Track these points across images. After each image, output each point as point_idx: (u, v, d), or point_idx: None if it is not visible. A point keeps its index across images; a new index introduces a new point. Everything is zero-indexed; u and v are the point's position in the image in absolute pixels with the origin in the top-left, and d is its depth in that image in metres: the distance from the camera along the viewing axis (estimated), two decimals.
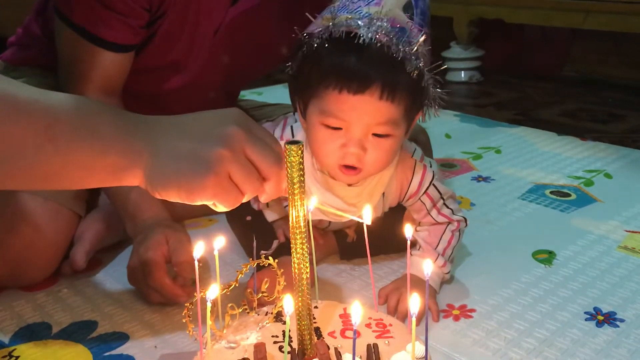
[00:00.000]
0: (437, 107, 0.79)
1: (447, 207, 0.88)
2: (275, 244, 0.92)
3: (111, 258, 1.01)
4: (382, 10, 0.73)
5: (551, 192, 1.26)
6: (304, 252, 0.59)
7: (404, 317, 0.81)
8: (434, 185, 0.86)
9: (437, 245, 0.87)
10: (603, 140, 1.61)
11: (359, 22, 0.71)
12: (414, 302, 0.52)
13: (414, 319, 0.51)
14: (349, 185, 0.82)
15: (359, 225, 0.96)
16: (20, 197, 0.87)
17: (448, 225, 0.88)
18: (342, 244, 0.98)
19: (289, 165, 0.56)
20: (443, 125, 1.71)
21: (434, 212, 0.88)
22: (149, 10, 0.92)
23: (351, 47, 0.71)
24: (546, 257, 1.00)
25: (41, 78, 1.02)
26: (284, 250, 0.91)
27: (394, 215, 0.92)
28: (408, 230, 0.68)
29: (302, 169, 0.57)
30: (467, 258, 0.99)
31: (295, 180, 0.57)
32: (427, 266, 0.58)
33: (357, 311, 0.50)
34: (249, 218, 0.97)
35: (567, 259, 0.99)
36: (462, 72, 2.39)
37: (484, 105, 2.05)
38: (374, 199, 0.85)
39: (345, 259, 0.99)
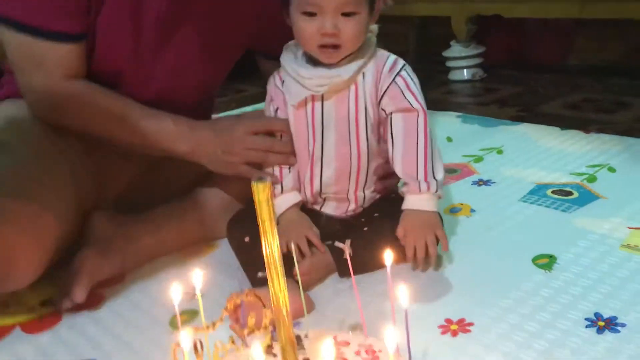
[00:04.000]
0: None
1: (417, 90, 0.96)
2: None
3: (112, 292, 1.02)
4: None
5: (553, 192, 1.24)
6: (281, 288, 0.59)
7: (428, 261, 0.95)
8: (406, 70, 0.96)
9: (417, 171, 0.93)
10: (608, 131, 1.58)
11: None
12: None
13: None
14: (332, 65, 0.94)
15: (354, 239, 0.97)
16: (3, 203, 0.87)
17: (417, 127, 0.94)
18: (339, 260, 0.98)
19: (257, 203, 0.56)
20: (445, 129, 1.70)
21: (407, 94, 0.95)
22: None
23: None
24: (546, 262, 0.98)
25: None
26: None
27: (390, 226, 0.94)
28: (387, 258, 0.68)
29: (271, 206, 0.57)
30: (466, 267, 0.98)
31: (264, 218, 0.57)
32: (402, 296, 0.58)
33: (330, 352, 0.50)
34: (247, 239, 0.97)
35: (567, 262, 0.97)
36: (465, 70, 2.37)
37: (487, 103, 2.03)
38: (350, 70, 0.94)
39: (345, 277, 0.98)
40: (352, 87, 0.95)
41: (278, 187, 1.02)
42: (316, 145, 0.99)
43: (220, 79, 1.23)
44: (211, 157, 1.04)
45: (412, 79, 0.97)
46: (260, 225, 0.57)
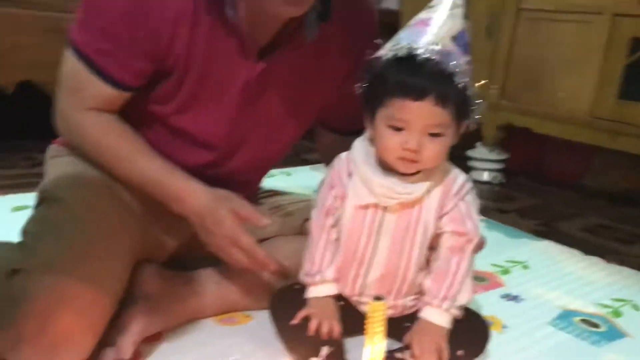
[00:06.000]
0: (477, 116, 0.96)
1: (477, 218, 1.00)
2: (324, 350, 0.94)
3: (150, 350, 1.01)
4: (436, 39, 0.91)
5: (581, 320, 1.27)
6: None
7: None
8: (471, 195, 1.00)
9: (441, 289, 0.98)
10: (626, 263, 1.63)
11: (418, 46, 0.90)
12: None
13: None
14: (404, 175, 0.96)
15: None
16: (60, 282, 0.87)
17: (463, 251, 0.99)
18: None
19: (371, 318, 0.58)
20: None
21: (468, 222, 0.98)
22: (151, 60, 0.98)
23: (411, 65, 0.90)
24: None
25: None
26: (336, 357, 0.94)
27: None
28: None
29: (384, 323, 0.59)
30: None
31: (376, 331, 0.59)
32: None
33: None
34: (294, 322, 0.99)
35: None
36: (485, 172, 2.45)
37: (507, 211, 2.08)
38: (418, 188, 0.96)
39: None
40: (418, 203, 0.98)
41: (318, 276, 1.02)
42: (368, 249, 1.00)
43: (291, 144, 1.23)
44: (200, 222, 1.03)
45: (473, 204, 1.00)
46: (368, 337, 0.59)
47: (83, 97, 1.00)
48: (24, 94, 1.94)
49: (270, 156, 1.22)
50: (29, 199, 1.15)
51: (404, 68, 0.91)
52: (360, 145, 1.01)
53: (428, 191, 0.97)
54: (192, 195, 1.02)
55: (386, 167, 0.97)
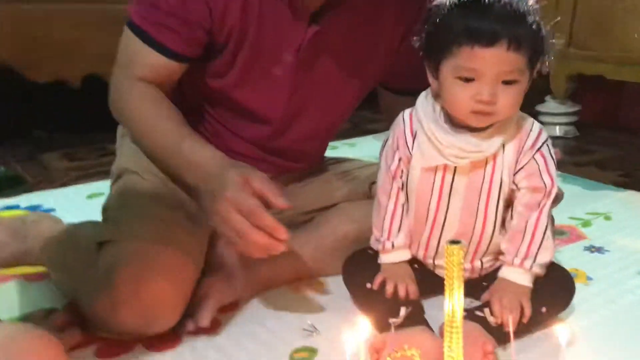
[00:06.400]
0: (552, 58, 0.89)
1: (555, 170, 0.93)
2: (403, 311, 0.91)
3: (228, 319, 1.02)
4: None
5: None
6: (459, 347, 0.58)
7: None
8: (547, 145, 0.93)
9: (520, 248, 0.93)
10: None
11: None
12: None
13: None
14: (474, 131, 0.90)
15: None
16: (148, 248, 0.91)
17: (540, 207, 0.93)
18: (487, 329, 0.92)
19: (449, 263, 0.56)
20: None
21: (545, 176, 0.92)
22: (205, 31, 0.96)
23: (478, 8, 0.84)
24: None
25: None
26: (415, 317, 0.92)
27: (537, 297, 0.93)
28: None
29: (462, 268, 0.57)
30: (594, 342, 0.95)
31: (455, 277, 0.57)
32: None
33: None
34: (369, 285, 0.97)
35: None
36: (557, 127, 2.34)
37: (584, 164, 1.99)
38: (493, 143, 0.90)
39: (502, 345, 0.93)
40: (491, 160, 0.92)
41: (389, 242, 0.98)
42: (439, 211, 0.95)
43: (350, 111, 1.20)
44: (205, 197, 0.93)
45: (551, 155, 0.94)
46: (447, 285, 0.57)
47: (135, 67, 1.00)
48: (92, 87, 2.00)
49: (330, 124, 1.20)
50: (102, 187, 1.18)
51: (470, 11, 0.84)
52: (424, 101, 0.95)
53: (502, 146, 0.91)
54: (207, 162, 0.93)
55: (455, 123, 0.91)
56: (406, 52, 1.10)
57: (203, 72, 1.04)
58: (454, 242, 0.56)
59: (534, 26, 0.84)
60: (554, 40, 0.89)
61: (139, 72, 0.99)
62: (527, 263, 0.93)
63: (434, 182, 0.94)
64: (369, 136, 2.27)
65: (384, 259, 0.99)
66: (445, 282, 0.56)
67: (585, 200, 1.59)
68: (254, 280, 1.08)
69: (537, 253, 0.93)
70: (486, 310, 0.91)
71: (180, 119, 0.99)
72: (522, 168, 0.93)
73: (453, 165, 0.92)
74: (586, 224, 1.44)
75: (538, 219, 0.93)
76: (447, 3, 0.86)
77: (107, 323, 0.90)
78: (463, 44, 0.84)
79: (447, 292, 0.57)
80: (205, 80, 1.05)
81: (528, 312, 0.91)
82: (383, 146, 1.01)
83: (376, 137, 2.20)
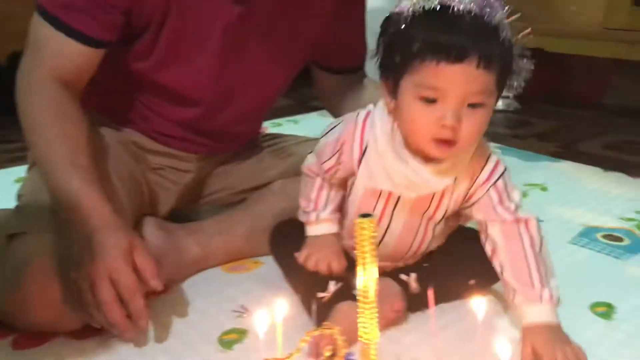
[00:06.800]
0: (522, 79, 0.82)
1: (511, 201, 0.86)
2: (331, 285, 0.89)
3: (158, 303, 0.99)
4: None
5: (603, 236, 1.22)
6: (372, 320, 0.57)
7: None
8: (503, 179, 0.86)
9: (531, 277, 0.83)
10: None
11: None
12: None
13: None
14: (430, 161, 0.81)
15: (420, 273, 0.94)
16: (59, 243, 0.85)
17: (520, 233, 0.85)
18: (407, 294, 0.92)
19: (360, 237, 0.55)
20: None
21: (499, 209, 0.85)
22: (123, 11, 0.90)
23: (445, 19, 0.73)
24: (605, 310, 0.96)
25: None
26: (345, 293, 0.88)
27: (453, 259, 0.92)
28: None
29: (374, 242, 0.55)
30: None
31: (367, 251, 0.55)
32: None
33: None
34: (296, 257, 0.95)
35: (627, 313, 0.95)
36: (499, 100, 2.36)
37: (525, 137, 2.01)
38: (446, 180, 0.84)
39: (410, 312, 0.93)
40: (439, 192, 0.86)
41: (314, 214, 0.94)
42: (379, 229, 0.89)
43: (282, 90, 1.18)
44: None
45: (506, 188, 0.86)
46: (359, 259, 0.55)
47: (47, 55, 0.92)
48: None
49: (263, 103, 1.17)
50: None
51: (436, 22, 0.74)
52: (382, 117, 0.84)
53: (454, 180, 0.85)
54: (91, 212, 0.84)
55: (412, 148, 0.82)
56: (338, 28, 1.08)
57: (124, 55, 0.98)
58: (365, 215, 0.54)
59: (505, 43, 0.75)
60: (525, 60, 0.81)
61: (50, 62, 0.91)
62: (546, 293, 0.82)
63: (376, 203, 0.89)
64: (313, 113, 2.25)
65: (309, 231, 0.95)
66: (357, 257, 0.55)
67: (521, 172, 1.61)
68: (185, 262, 1.05)
69: (548, 276, 0.84)
70: (412, 275, 0.91)
71: (80, 143, 0.89)
72: (476, 202, 0.88)
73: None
74: (523, 195, 1.45)
75: (529, 246, 0.86)
76: (410, 11, 0.75)
77: (18, 320, 0.86)
78: (427, 58, 0.74)
79: (359, 267, 0.55)
80: (127, 64, 0.99)
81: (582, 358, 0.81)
82: (327, 131, 0.92)
83: (320, 114, 2.18)
